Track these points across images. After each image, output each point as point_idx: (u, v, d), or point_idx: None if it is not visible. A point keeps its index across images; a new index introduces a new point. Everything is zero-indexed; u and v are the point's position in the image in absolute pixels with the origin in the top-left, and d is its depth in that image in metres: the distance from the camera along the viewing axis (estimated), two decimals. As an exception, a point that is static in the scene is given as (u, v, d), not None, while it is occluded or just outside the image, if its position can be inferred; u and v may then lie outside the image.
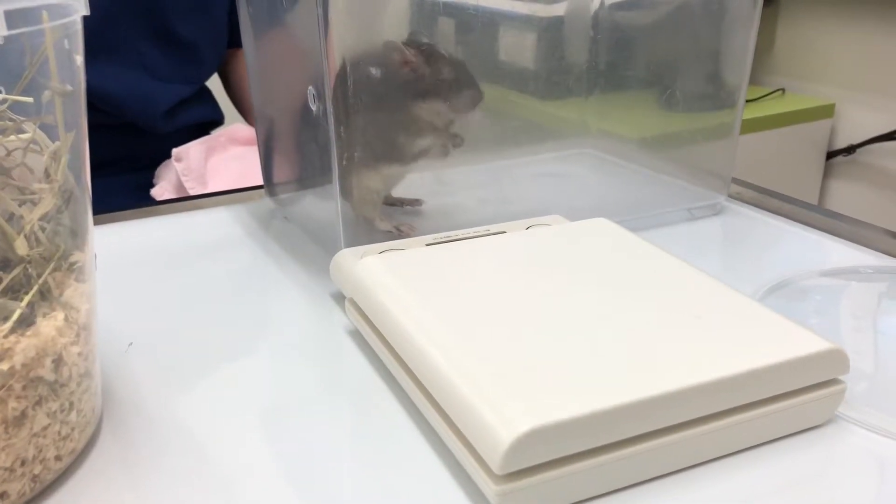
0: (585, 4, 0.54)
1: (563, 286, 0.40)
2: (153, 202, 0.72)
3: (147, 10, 0.87)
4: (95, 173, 0.72)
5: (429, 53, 0.49)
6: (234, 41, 0.98)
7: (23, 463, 0.29)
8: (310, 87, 0.47)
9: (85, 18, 0.31)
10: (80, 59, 0.30)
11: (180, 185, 0.86)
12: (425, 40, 0.49)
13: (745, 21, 0.59)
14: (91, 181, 0.35)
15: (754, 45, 0.61)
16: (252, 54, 0.59)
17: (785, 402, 0.34)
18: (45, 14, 0.28)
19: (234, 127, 0.94)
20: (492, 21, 0.51)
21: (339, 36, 0.44)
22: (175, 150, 0.87)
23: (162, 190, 0.87)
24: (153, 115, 0.90)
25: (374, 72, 0.47)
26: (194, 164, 0.86)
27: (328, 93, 0.45)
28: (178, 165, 0.86)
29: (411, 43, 0.48)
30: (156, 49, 0.90)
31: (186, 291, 0.50)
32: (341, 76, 0.44)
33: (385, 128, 0.49)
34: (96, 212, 0.59)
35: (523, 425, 0.29)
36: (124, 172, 0.91)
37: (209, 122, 1.00)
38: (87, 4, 0.30)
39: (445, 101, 0.49)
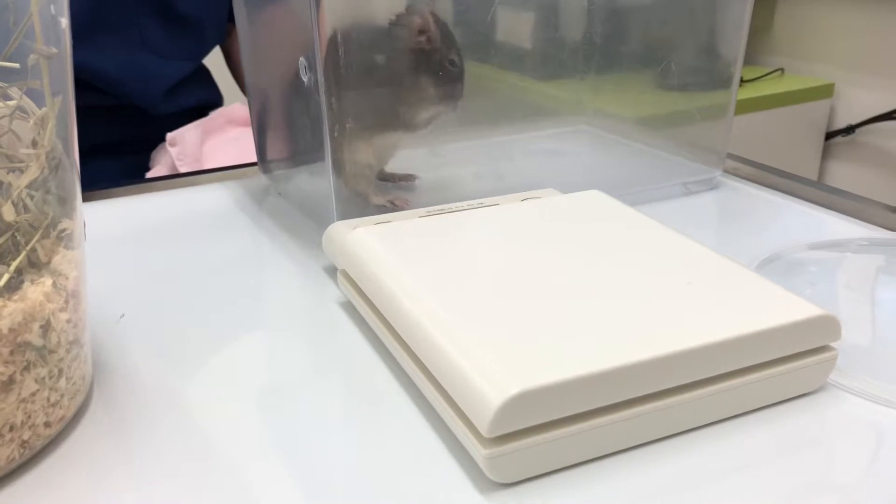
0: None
1: (554, 254, 0.40)
2: (147, 180, 0.71)
3: None
4: (91, 156, 0.71)
5: (444, 31, 0.49)
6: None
7: (11, 428, 0.29)
8: (301, 58, 0.46)
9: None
10: (65, 22, 0.30)
11: (175, 170, 0.85)
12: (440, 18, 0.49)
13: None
14: (86, 164, 0.34)
15: (749, 18, 0.60)
16: (244, 27, 0.58)
17: (776, 369, 0.34)
18: (28, -24, 0.28)
19: (233, 107, 0.93)
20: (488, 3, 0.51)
21: (330, 4, 0.43)
22: (169, 135, 0.86)
23: (156, 174, 0.87)
24: (154, 94, 0.89)
25: (368, 41, 0.46)
26: (189, 148, 0.86)
27: (319, 63, 0.44)
28: (173, 150, 0.85)
29: (426, 13, 0.48)
30: (157, 25, 0.88)
31: (180, 266, 0.50)
32: (332, 45, 0.44)
33: (377, 97, 0.49)
34: (90, 191, 0.59)
35: (512, 388, 0.29)
36: (120, 155, 0.90)
37: (209, 104, 0.99)
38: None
39: (439, 84, 0.49)
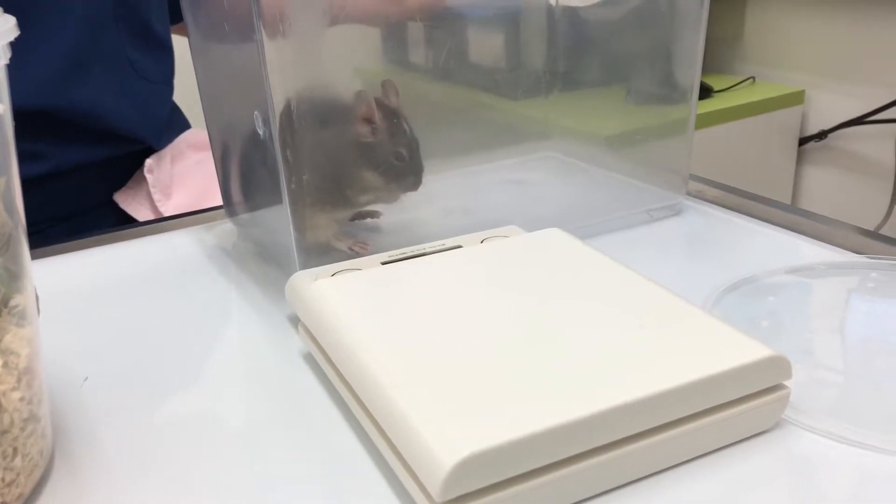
0: (541, 4, 0.54)
1: (510, 303, 0.40)
2: (113, 229, 0.70)
3: (128, 12, 0.83)
4: (86, 214, 0.70)
5: (392, 122, 0.49)
6: (176, 17, 0.94)
7: (-35, 513, 0.29)
8: (256, 112, 0.47)
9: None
10: (2, 108, 0.30)
11: (149, 197, 0.85)
12: (393, 104, 0.49)
13: (694, 18, 0.60)
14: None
15: (704, 42, 0.61)
16: (202, 76, 0.59)
17: (729, 411, 0.34)
18: (-35, 64, 0.28)
19: (193, 131, 0.93)
20: (449, 24, 0.51)
21: (279, 61, 0.44)
22: (148, 161, 0.85)
23: (125, 196, 0.85)
24: (154, 122, 0.86)
25: (320, 105, 0.46)
26: (163, 174, 0.86)
27: (273, 119, 0.45)
28: (150, 177, 0.85)
29: (380, 102, 0.48)
30: (141, 51, 0.86)
31: (145, 319, 0.50)
32: (286, 104, 0.44)
33: (329, 166, 0.48)
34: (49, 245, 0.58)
35: (462, 451, 0.29)
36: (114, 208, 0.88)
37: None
38: (8, 52, 0.30)
39: (385, 177, 0.50)
